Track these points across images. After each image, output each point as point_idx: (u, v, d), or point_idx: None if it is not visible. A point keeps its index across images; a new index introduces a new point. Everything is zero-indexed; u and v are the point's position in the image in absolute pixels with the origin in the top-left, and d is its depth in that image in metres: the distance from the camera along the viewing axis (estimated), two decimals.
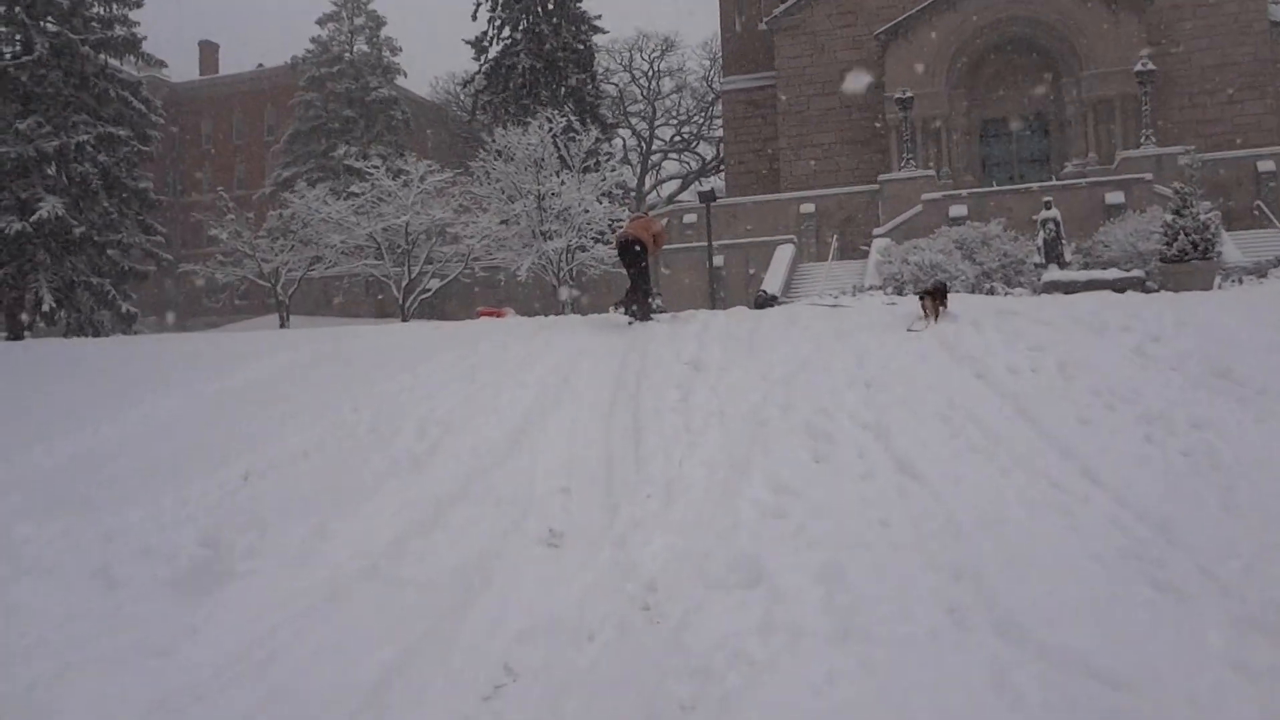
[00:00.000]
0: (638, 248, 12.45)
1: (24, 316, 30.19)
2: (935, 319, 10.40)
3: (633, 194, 55.96)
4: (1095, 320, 9.60)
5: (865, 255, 30.79)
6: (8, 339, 27.76)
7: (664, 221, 13.50)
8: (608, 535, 5.63)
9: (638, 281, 12.47)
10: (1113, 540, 4.97)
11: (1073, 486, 5.74)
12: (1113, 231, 24.64)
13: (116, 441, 8.81)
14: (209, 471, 7.54)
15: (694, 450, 6.97)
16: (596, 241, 29.10)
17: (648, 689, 3.69)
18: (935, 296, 10.63)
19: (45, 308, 30.07)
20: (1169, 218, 17.98)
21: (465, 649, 4.26)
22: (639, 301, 12.39)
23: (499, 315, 19.52)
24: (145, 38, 33.80)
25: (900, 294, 18.30)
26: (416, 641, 4.36)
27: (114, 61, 34.02)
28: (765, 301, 17.30)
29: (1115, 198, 28.74)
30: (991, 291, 19.15)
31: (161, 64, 36.19)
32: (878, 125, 38.81)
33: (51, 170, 30.16)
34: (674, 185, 59.65)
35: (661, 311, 13.23)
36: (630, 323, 12.15)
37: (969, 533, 5.09)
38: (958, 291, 16.82)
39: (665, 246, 36.03)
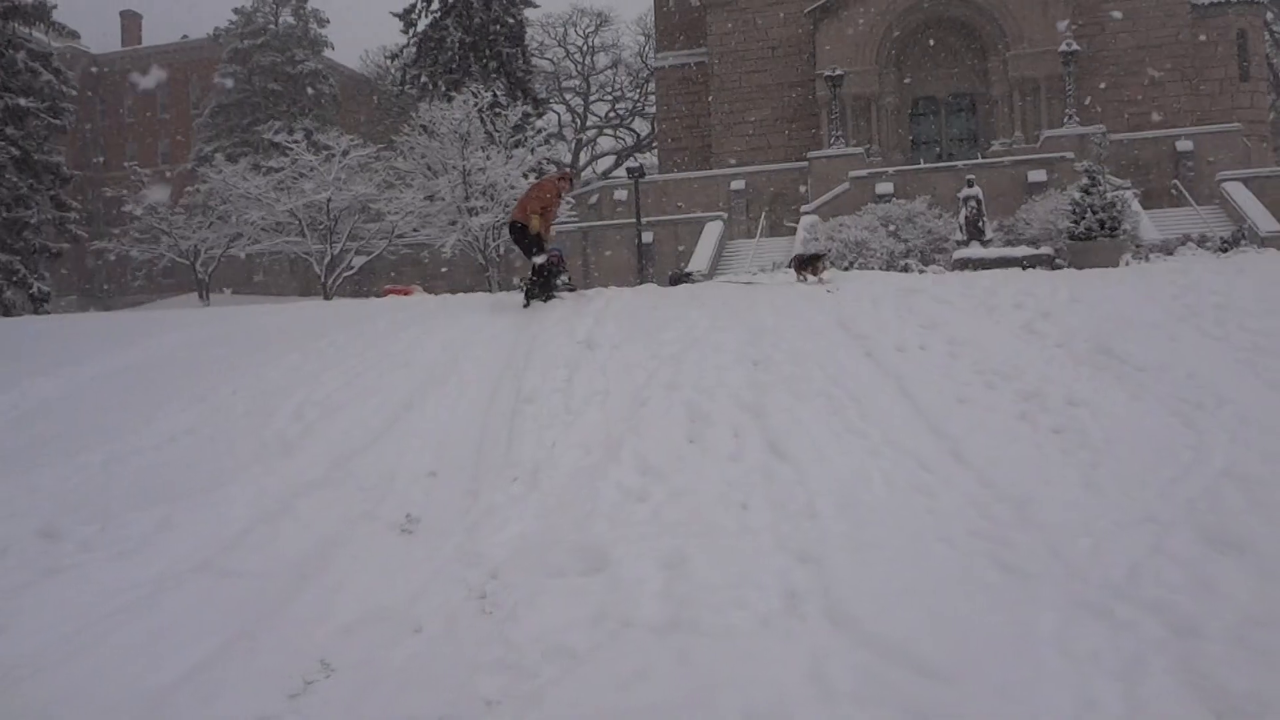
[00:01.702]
0: (520, 226, 12.13)
1: None
2: (818, 278, 12.68)
3: (567, 168, 55.60)
4: (990, 298, 9.60)
5: (794, 232, 30.83)
6: None
7: (570, 183, 13.26)
8: (462, 522, 5.45)
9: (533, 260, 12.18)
10: (968, 521, 4.90)
11: (939, 466, 5.68)
12: (1034, 209, 24.97)
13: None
14: (68, 458, 7.21)
15: (569, 432, 6.80)
16: None
17: (457, 684, 3.52)
18: (808, 264, 13.06)
19: None
20: (1077, 195, 18.19)
21: (282, 644, 4.06)
22: (539, 280, 12.07)
23: (405, 293, 19.18)
24: (55, 5, 32.61)
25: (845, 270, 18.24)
26: (232, 637, 4.14)
27: (26, 30, 32.79)
28: (680, 278, 17.15)
29: (1038, 176, 29.09)
30: (906, 269, 19.23)
31: (74, 34, 34.97)
32: (810, 101, 38.82)
33: None
34: (609, 161, 59.25)
35: (570, 289, 12.82)
36: (526, 304, 11.77)
37: (824, 515, 4.99)
38: (873, 269, 16.91)
39: (600, 222, 36.10)
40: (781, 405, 6.87)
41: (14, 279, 30.96)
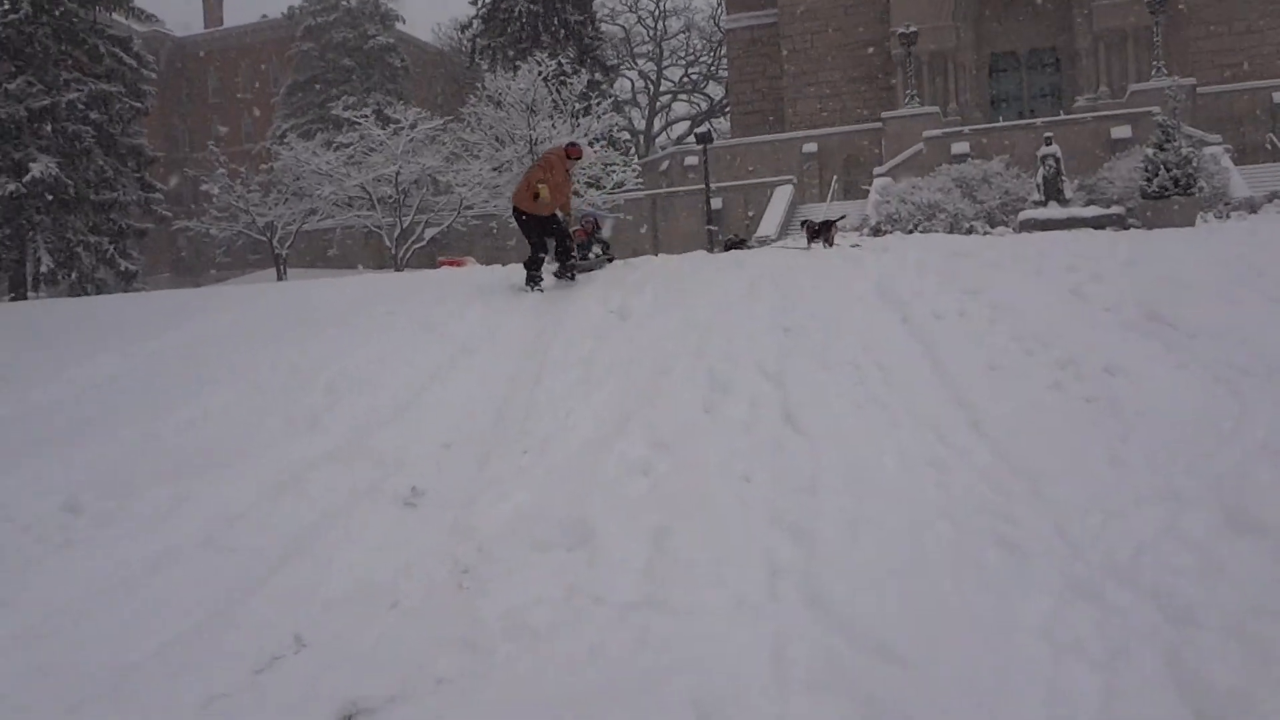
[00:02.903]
0: (523, 217, 11.17)
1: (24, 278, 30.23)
2: (828, 244, 13.43)
3: (640, 136, 55.33)
4: (1042, 261, 9.23)
5: (866, 195, 30.21)
6: (12, 300, 27.86)
7: (572, 157, 11.51)
8: (464, 494, 5.41)
9: (539, 246, 11.16)
10: (976, 497, 4.69)
11: (956, 438, 5.46)
12: (1116, 167, 23.97)
13: (37, 406, 8.67)
14: (108, 434, 7.38)
15: (586, 403, 6.72)
16: (590, 186, 28.68)
17: (416, 662, 3.48)
18: (820, 231, 13.85)
19: (44, 268, 30.09)
20: (1150, 152, 17.35)
21: (260, 619, 4.07)
22: (560, 259, 11.25)
23: (459, 264, 19.26)
24: None
25: (877, 234, 17.85)
26: (213, 612, 4.18)
27: (107, 16, 33.63)
28: (733, 244, 16.89)
29: (1122, 132, 27.93)
30: (970, 231, 18.65)
31: (155, 19, 35.72)
32: (885, 60, 37.86)
33: (48, 129, 29.96)
34: (683, 127, 58.75)
35: (608, 259, 12.41)
36: (530, 286, 10.93)
37: (826, 490, 4.83)
38: (936, 231, 16.40)
39: (669, 189, 35.81)
40: (805, 374, 6.69)
41: (104, 258, 31.97)
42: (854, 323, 7.88)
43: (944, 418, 5.78)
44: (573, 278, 11.14)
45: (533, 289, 10.92)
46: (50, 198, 29.70)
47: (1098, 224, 15.43)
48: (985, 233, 18.42)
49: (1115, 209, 19.16)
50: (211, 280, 43.14)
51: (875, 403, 6.14)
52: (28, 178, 28.82)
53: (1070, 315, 7.57)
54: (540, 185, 10.68)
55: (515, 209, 11.33)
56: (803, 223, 16.89)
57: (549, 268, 11.40)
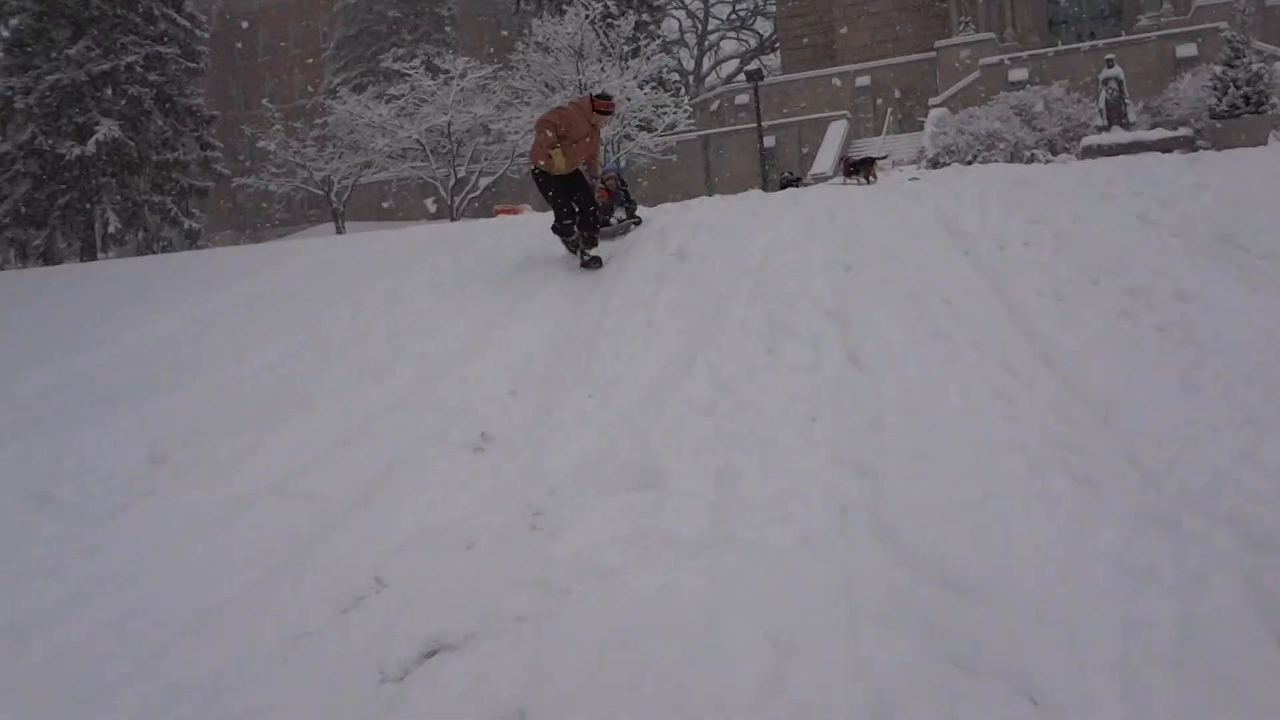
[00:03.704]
0: (542, 177, 9.34)
1: (93, 239, 30.92)
2: (868, 180, 13.60)
3: (689, 77, 54.57)
4: (1109, 187, 8.98)
5: (922, 127, 29.57)
6: (81, 261, 28.55)
7: (599, 106, 9.62)
8: (531, 439, 5.48)
9: (563, 209, 9.31)
10: (1045, 428, 4.64)
11: (1024, 370, 5.38)
12: (1182, 87, 23.13)
13: (105, 363, 8.92)
14: (177, 388, 7.59)
15: (648, 347, 6.73)
16: (641, 129, 28.47)
17: (492, 601, 3.56)
18: (859, 168, 13.99)
19: (112, 229, 30.74)
20: (1217, 69, 16.69)
21: (336, 561, 4.20)
22: (585, 228, 9.43)
23: (515, 212, 19.29)
24: None
25: (935, 166, 17.50)
26: (291, 555, 4.31)
27: None
28: (788, 183, 16.67)
29: (1187, 50, 26.92)
30: (1032, 159, 18.19)
31: None
32: None
33: (108, 93, 30.42)
34: (732, 66, 57.79)
35: (635, 221, 10.74)
36: (577, 252, 9.53)
37: (891, 425, 4.80)
38: (996, 161, 16.02)
39: (721, 129, 35.38)
40: (866, 311, 6.63)
41: (168, 217, 32.55)
42: (915, 256, 7.76)
43: (1010, 349, 5.71)
44: (593, 261, 9.33)
45: (570, 246, 9.52)
46: (114, 160, 30.28)
47: (1164, 147, 14.95)
48: (1047, 161, 17.95)
49: (1182, 131, 18.53)
50: (271, 236, 43.75)
51: (939, 336, 6.07)
52: (92, 141, 29.35)
53: (1138, 242, 7.39)
54: (553, 150, 9.05)
55: (534, 168, 9.37)
56: (840, 159, 16.75)
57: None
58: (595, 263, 9.27)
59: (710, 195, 16.03)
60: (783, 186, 15.74)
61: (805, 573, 3.45)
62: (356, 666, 3.32)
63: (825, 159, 27.95)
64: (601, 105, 9.64)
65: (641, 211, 11.03)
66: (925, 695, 2.69)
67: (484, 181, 31.47)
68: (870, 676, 2.81)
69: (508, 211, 20.53)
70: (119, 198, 31.14)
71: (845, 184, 13.18)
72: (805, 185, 16.35)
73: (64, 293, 13.93)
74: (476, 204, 32.01)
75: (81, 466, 5.99)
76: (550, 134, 9.09)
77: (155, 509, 5.09)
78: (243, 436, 6.06)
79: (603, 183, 10.67)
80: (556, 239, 9.66)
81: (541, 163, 9.22)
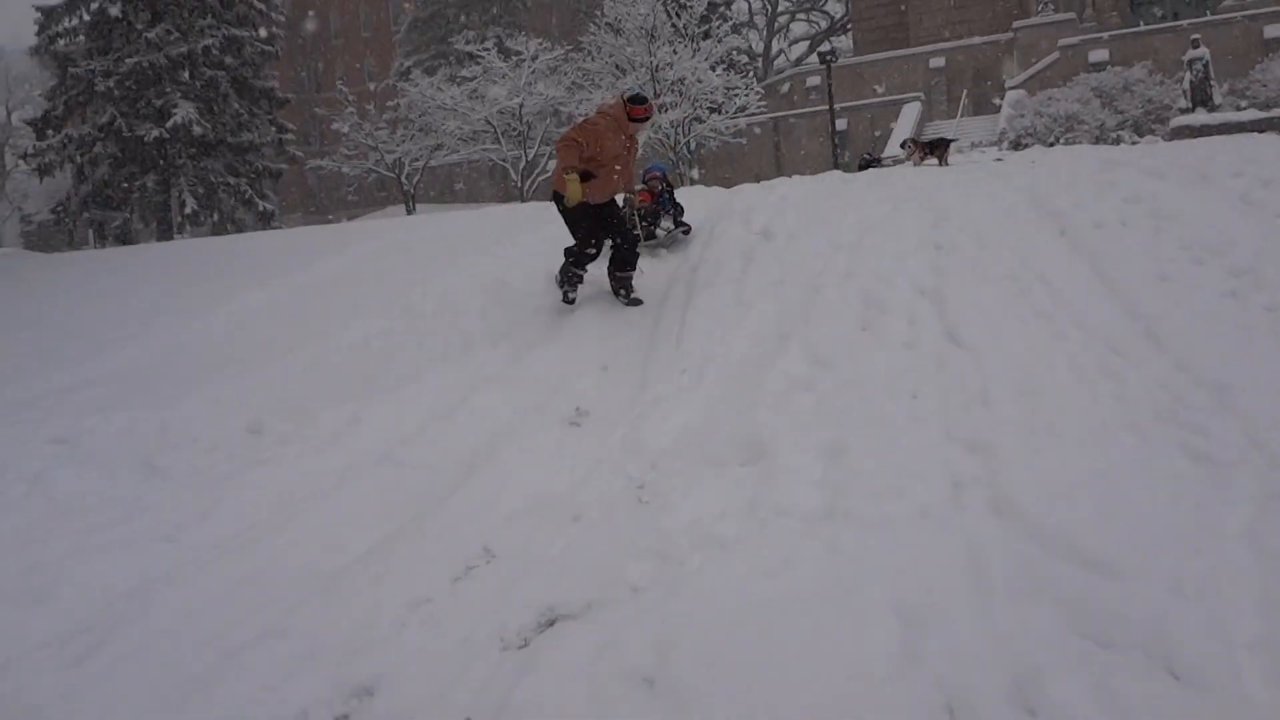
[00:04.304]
0: (561, 207, 7.80)
1: (170, 220, 31.65)
2: (942, 163, 13.55)
3: (759, 60, 54.11)
4: (1205, 167, 8.73)
5: (998, 110, 29.02)
6: (158, 241, 29.26)
7: (635, 112, 7.96)
8: (629, 414, 5.51)
9: (587, 243, 7.80)
10: (1159, 408, 4.53)
11: (1132, 350, 5.27)
12: (1271, 68, 22.43)
13: (202, 337, 9.13)
14: (275, 361, 7.74)
15: (740, 323, 6.72)
16: (713, 112, 28.32)
17: (607, 571, 3.59)
18: (932, 148, 14.31)
19: (189, 210, 31.42)
20: None
21: (448, 531, 4.26)
22: (616, 269, 8.03)
23: None
24: None
25: (1018, 148, 17.17)
26: (403, 524, 4.39)
27: None
28: (868, 163, 16.48)
29: (1276, 30, 26.03)
30: (1118, 141, 17.75)
31: None
32: None
33: (185, 75, 31.04)
34: (803, 48, 57.21)
35: (683, 229, 9.44)
36: (567, 293, 7.98)
37: (999, 403, 4.73)
38: (1081, 142, 15.68)
39: (791, 111, 35.05)
40: (962, 290, 6.54)
41: (243, 199, 33.19)
42: (1008, 236, 7.64)
43: (1115, 329, 5.59)
44: (629, 297, 7.96)
45: (567, 295, 7.93)
46: (191, 142, 30.92)
47: (1257, 128, 14.49)
48: (1133, 142, 17.51)
49: (1276, 112, 17.95)
50: (341, 218, 44.46)
51: (1040, 316, 5.97)
52: (170, 123, 29.99)
53: (1240, 222, 7.18)
54: (570, 176, 7.30)
55: (554, 194, 7.86)
56: (904, 142, 16.49)
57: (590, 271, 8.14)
58: (635, 303, 7.92)
59: (781, 177, 15.91)
60: (862, 167, 15.58)
61: (928, 547, 3.42)
62: (478, 634, 3.37)
63: (899, 142, 27.53)
64: (637, 112, 7.88)
65: (714, 196, 10.90)
66: (1070, 668, 2.65)
67: (553, 165, 31.56)
68: (1010, 650, 2.78)
69: None
70: (195, 179, 31.80)
71: (921, 164, 12.91)
72: (885, 166, 16.14)
73: (152, 270, 14.29)
74: (547, 187, 32.11)
75: (187, 436, 6.14)
76: (574, 157, 7.37)
77: (265, 478, 5.21)
78: (344, 408, 6.17)
79: (644, 183, 9.37)
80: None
81: (559, 190, 7.63)
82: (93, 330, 10.15)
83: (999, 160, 12.14)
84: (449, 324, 8.05)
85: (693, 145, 28.89)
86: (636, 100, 7.95)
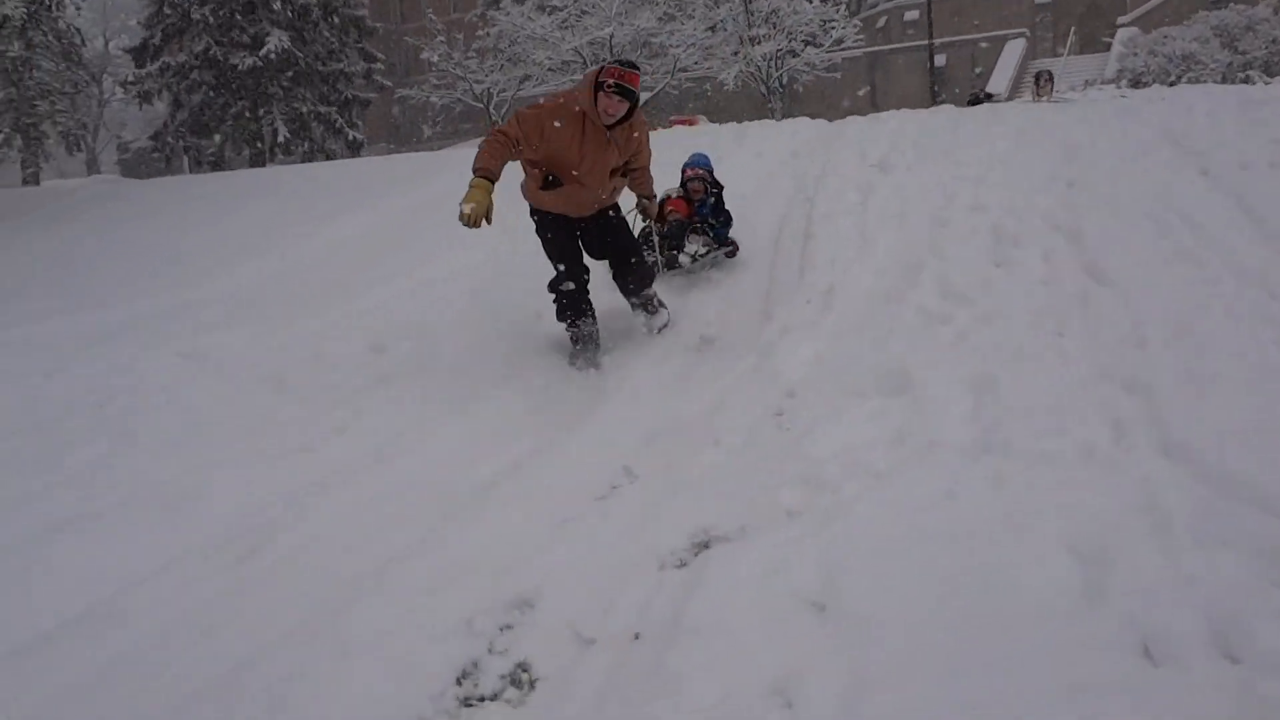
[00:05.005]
0: (540, 214, 5.70)
1: (262, 148, 32.07)
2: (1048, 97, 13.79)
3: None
4: None
5: (1108, 48, 27.84)
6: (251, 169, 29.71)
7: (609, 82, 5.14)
8: (756, 343, 5.40)
9: (572, 266, 5.66)
10: None
11: None
12: None
13: (306, 259, 9.24)
14: (381, 282, 7.81)
15: (863, 255, 6.54)
16: (807, 45, 27.66)
17: (754, 495, 3.51)
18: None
19: (280, 138, 31.80)
20: None
21: (583, 451, 4.24)
22: (631, 288, 5.81)
23: (691, 123, 19.04)
24: None
25: (1137, 86, 16.45)
26: (544, 443, 4.37)
27: None
28: (979, 99, 15.92)
29: None
30: (1247, 81, 16.88)
31: None
32: None
33: (277, 4, 31.18)
34: None
35: (729, 252, 7.08)
36: (578, 347, 5.69)
37: (1153, 344, 4.52)
38: (1205, 82, 14.93)
39: (888, 46, 34.00)
40: (1099, 227, 6.28)
41: (333, 128, 33.48)
42: (1145, 174, 7.31)
43: (1273, 274, 5.29)
44: (656, 315, 5.89)
45: (578, 349, 5.65)
46: (283, 70, 31.18)
47: None
48: (1265, 83, 16.65)
49: None
50: (426, 148, 44.59)
51: (1186, 257, 5.69)
52: (263, 51, 30.26)
53: None
54: (475, 183, 4.84)
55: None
56: (1037, 75, 15.90)
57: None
58: (666, 327, 5.92)
59: (890, 111, 15.46)
60: (972, 103, 15.08)
61: (1098, 486, 3.27)
62: (629, 553, 3.32)
63: (1000, 80, 26.66)
64: (611, 74, 5.10)
65: (820, 126, 10.50)
66: (1272, 616, 2.51)
67: (642, 96, 31.17)
68: (1201, 594, 2.64)
69: (684, 122, 20.31)
70: (286, 108, 32.10)
71: (1046, 100, 12.44)
72: (997, 102, 15.59)
73: (250, 195, 14.49)
74: None
75: (310, 354, 6.20)
76: (494, 160, 4.99)
77: (397, 394, 5.24)
78: (463, 333, 6.17)
79: (682, 186, 7.14)
80: (752, 132, 9.21)
81: (536, 200, 5.59)
82: (200, 253, 10.34)
83: (1123, 97, 11.61)
84: None
85: (784, 80, 28.28)
86: (620, 64, 5.20)
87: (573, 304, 5.61)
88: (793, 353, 5.08)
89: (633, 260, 5.71)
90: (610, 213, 5.71)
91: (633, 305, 5.92)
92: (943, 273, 5.81)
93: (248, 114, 31.60)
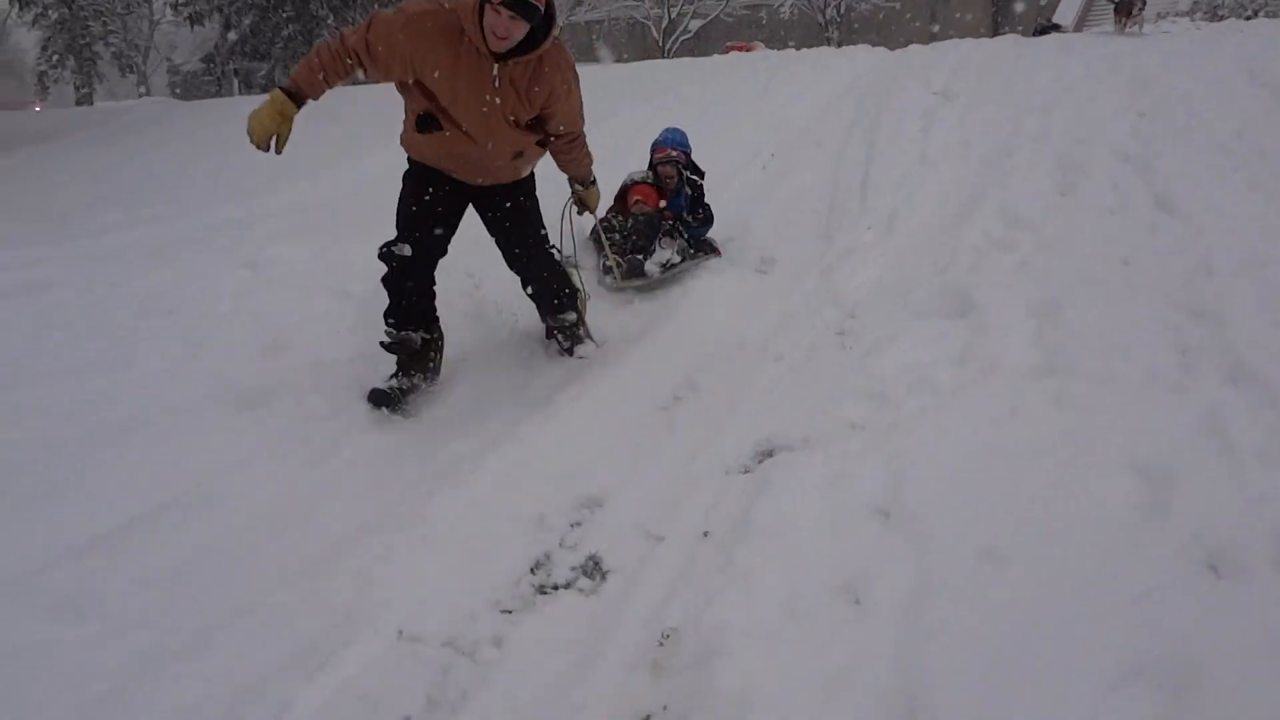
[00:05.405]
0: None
1: None
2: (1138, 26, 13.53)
3: None
4: None
5: None
6: None
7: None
8: (817, 264, 5.41)
9: (417, 230, 4.23)
10: None
11: None
12: None
13: (360, 180, 9.29)
14: None
15: (925, 182, 6.49)
16: None
17: (817, 409, 3.56)
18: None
19: None
20: None
21: (652, 364, 4.33)
22: (547, 307, 4.56)
23: (748, 50, 18.75)
24: None
25: (1215, 19, 15.95)
26: (604, 353, 4.45)
27: None
28: (1045, 29, 15.50)
29: None
30: None
31: None
32: None
33: None
34: None
35: (702, 254, 5.77)
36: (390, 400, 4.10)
37: (1222, 273, 4.47)
38: None
39: None
40: (1169, 157, 6.17)
41: None
42: (1220, 107, 7.15)
43: None
44: (574, 346, 4.56)
45: (389, 382, 4.09)
46: None
47: None
48: None
49: None
50: None
51: (1259, 189, 5.58)
52: None
53: None
54: (271, 95, 3.90)
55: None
56: (1118, 4, 15.42)
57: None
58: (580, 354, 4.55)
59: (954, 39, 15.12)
60: (1039, 33, 14.69)
61: (1162, 407, 3.28)
62: (695, 458, 3.40)
63: (1067, 12, 25.88)
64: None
65: (880, 55, 10.29)
66: None
67: (694, 25, 30.70)
68: (1268, 515, 2.66)
69: (741, 49, 19.99)
70: (336, 31, 31.96)
71: (1126, 31, 12.13)
72: (1064, 32, 15.20)
73: (303, 118, 14.49)
74: (689, 46, 31.36)
75: (373, 267, 6.28)
76: (312, 72, 3.80)
77: (469, 308, 5.31)
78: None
79: (652, 169, 5.96)
80: (810, 58, 9.11)
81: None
82: (252, 172, 10.41)
83: (1198, 30, 11.27)
84: (617, 179, 7.98)
85: (841, 9, 27.71)
86: None
87: (399, 287, 4.13)
88: (853, 275, 5.09)
89: (517, 250, 4.29)
90: (521, 197, 4.23)
91: (547, 329, 4.62)
92: (1006, 201, 5.76)
93: (299, 36, 31.51)
